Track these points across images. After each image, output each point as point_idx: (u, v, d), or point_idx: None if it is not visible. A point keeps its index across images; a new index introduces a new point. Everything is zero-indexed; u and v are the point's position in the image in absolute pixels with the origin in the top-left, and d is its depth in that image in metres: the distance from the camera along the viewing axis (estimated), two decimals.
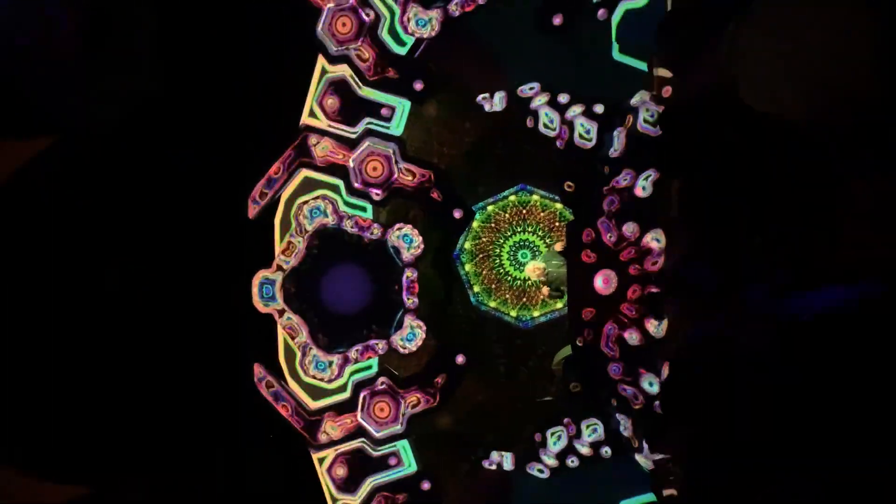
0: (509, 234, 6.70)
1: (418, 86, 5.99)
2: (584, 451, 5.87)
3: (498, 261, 6.77)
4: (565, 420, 5.93)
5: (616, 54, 5.40)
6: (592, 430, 5.86)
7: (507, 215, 6.71)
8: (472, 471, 6.44)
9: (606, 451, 5.84)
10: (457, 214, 6.21)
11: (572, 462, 5.90)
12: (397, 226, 6.18)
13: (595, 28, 5.59)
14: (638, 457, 5.63)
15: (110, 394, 5.86)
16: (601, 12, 5.49)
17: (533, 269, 6.28)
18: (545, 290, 6.26)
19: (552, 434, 5.96)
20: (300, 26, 5.90)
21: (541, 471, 5.95)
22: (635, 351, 5.60)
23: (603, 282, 5.79)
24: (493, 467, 6.13)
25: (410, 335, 6.23)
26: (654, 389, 5.54)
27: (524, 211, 6.70)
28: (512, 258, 6.72)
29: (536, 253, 6.55)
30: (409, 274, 6.18)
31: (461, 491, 6.54)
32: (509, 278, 6.73)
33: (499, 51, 6.23)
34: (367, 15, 5.82)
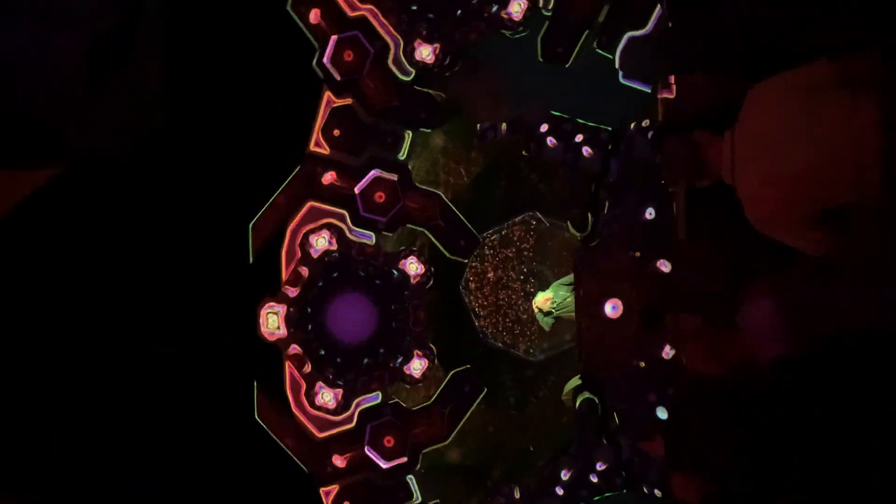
0: (517, 263, 6.67)
1: (422, 115, 6.03)
2: (596, 481, 5.74)
3: (505, 290, 6.73)
4: (575, 451, 5.81)
5: (622, 79, 5.42)
6: (603, 461, 5.74)
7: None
8: None
9: (618, 481, 5.71)
10: (462, 243, 6.19)
11: (584, 494, 5.76)
12: (403, 254, 6.16)
13: (598, 55, 5.62)
14: (649, 487, 5.50)
15: (113, 419, 5.82)
16: (603, 40, 5.52)
17: (543, 300, 6.24)
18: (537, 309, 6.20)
19: (563, 465, 5.83)
20: (307, 57, 5.97)
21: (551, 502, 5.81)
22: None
23: (613, 309, 5.72)
24: (503, 500, 6.00)
25: (417, 365, 6.16)
26: (665, 417, 5.42)
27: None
28: (519, 288, 6.68)
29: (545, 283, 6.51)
30: (416, 303, 6.14)
31: None
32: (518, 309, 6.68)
33: (502, 79, 6.28)
34: (373, 45, 5.87)
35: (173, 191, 5.84)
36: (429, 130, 6.12)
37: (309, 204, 6.17)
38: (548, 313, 6.22)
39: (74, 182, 5.55)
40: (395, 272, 6.13)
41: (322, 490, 6.15)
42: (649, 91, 5.23)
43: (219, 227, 6.01)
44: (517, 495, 6.00)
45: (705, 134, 2.38)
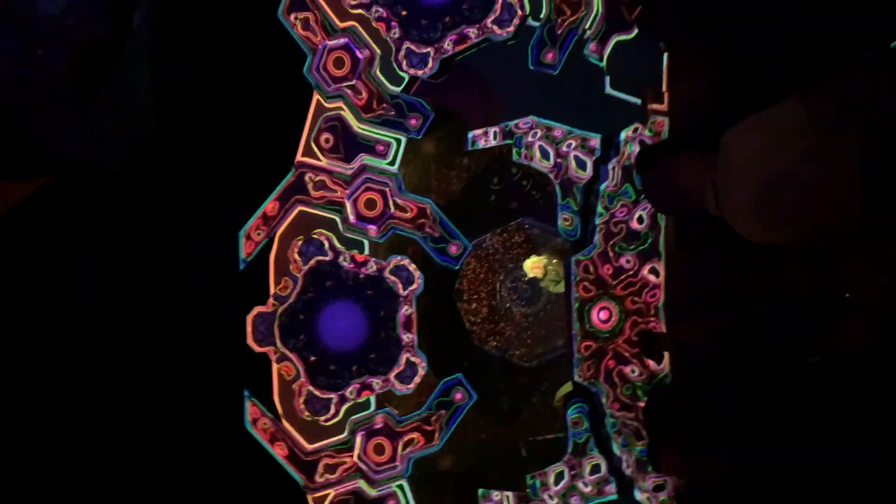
0: (510, 269, 6.66)
1: (413, 122, 6.01)
2: (587, 489, 5.73)
3: (498, 296, 6.71)
4: (567, 457, 5.80)
5: (608, 88, 5.42)
6: (595, 468, 5.73)
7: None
8: None
9: (610, 489, 5.70)
10: (453, 249, 6.17)
11: (575, 501, 5.76)
12: (394, 261, 6.14)
13: (588, 62, 5.62)
14: (641, 495, 5.50)
15: (100, 428, 5.81)
16: (592, 47, 5.52)
17: (532, 264, 6.23)
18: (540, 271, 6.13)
19: (554, 472, 5.83)
20: (296, 64, 5.97)
21: None
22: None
23: (602, 315, 5.72)
24: None
25: (409, 372, 6.14)
26: None
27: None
28: (512, 293, 6.66)
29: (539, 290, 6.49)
30: (407, 310, 6.12)
31: None
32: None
33: (493, 86, 6.28)
34: (362, 52, 5.88)
35: (163, 200, 5.83)
36: (419, 137, 6.09)
37: (298, 210, 6.16)
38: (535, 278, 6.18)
39: (64, 192, 5.55)
40: (386, 279, 6.12)
41: (312, 497, 6.13)
42: (637, 101, 5.24)
43: (208, 236, 5.99)
44: (509, 503, 5.99)
45: (683, 163, 2.45)
